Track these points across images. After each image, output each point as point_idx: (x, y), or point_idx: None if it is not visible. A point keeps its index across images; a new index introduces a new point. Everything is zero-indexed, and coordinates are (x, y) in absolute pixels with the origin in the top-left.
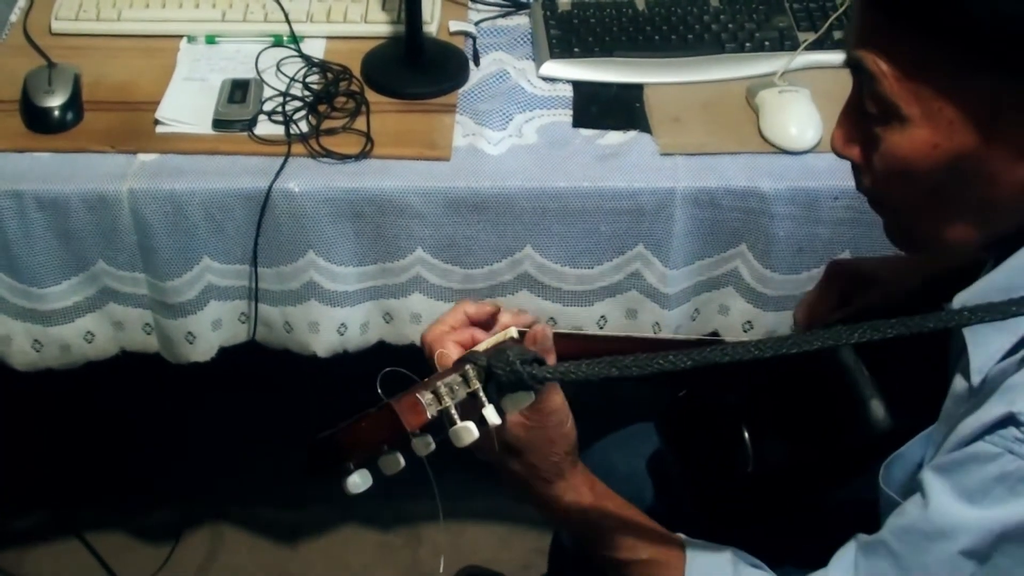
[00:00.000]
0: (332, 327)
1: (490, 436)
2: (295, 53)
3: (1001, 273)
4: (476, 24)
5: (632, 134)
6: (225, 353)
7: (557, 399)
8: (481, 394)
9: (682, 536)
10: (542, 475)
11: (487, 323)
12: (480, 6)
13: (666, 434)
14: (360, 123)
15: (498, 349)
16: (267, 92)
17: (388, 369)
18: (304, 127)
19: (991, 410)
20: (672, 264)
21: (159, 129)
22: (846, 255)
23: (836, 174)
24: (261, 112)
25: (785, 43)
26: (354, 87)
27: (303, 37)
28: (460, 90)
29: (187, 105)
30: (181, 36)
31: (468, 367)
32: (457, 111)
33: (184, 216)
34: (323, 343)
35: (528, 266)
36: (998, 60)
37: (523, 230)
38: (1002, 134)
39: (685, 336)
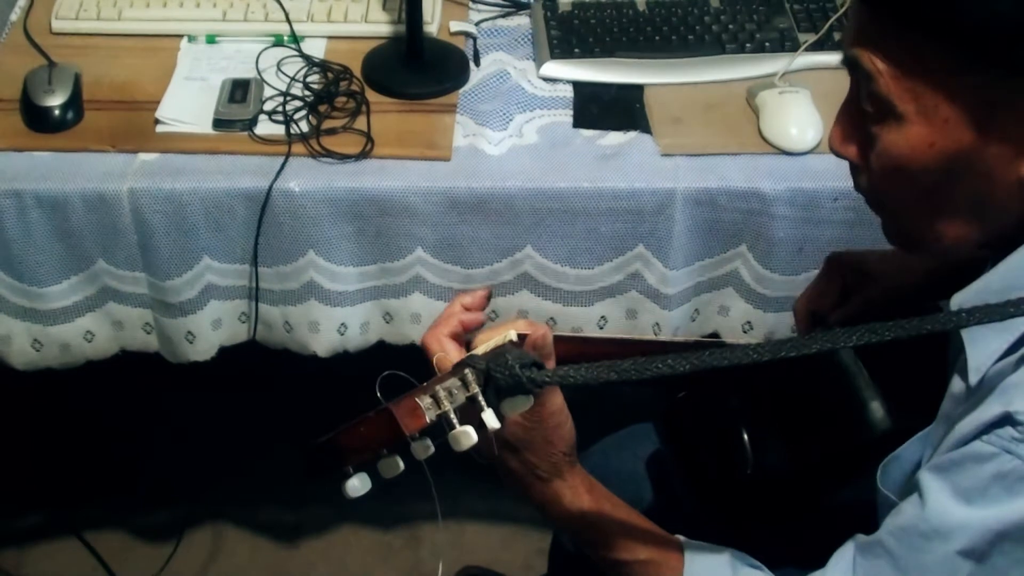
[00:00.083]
0: (332, 327)
1: (489, 440)
2: (296, 53)
3: (998, 273)
4: (476, 24)
5: (632, 135)
6: (225, 353)
7: (556, 401)
8: (480, 398)
9: (681, 537)
10: (540, 474)
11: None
12: (481, 6)
13: (665, 435)
14: (360, 123)
15: (497, 353)
16: (267, 92)
17: (387, 372)
18: (304, 127)
19: (988, 410)
20: (672, 265)
21: (159, 128)
22: None
23: (836, 175)
24: (261, 112)
25: (785, 44)
26: (354, 87)
27: (304, 37)
28: (460, 90)
29: (187, 105)
30: (182, 36)
31: (467, 371)
32: (457, 111)
33: (184, 216)
34: (323, 343)
35: (528, 266)
36: (994, 58)
37: (523, 230)
38: (998, 132)
39: (685, 338)
